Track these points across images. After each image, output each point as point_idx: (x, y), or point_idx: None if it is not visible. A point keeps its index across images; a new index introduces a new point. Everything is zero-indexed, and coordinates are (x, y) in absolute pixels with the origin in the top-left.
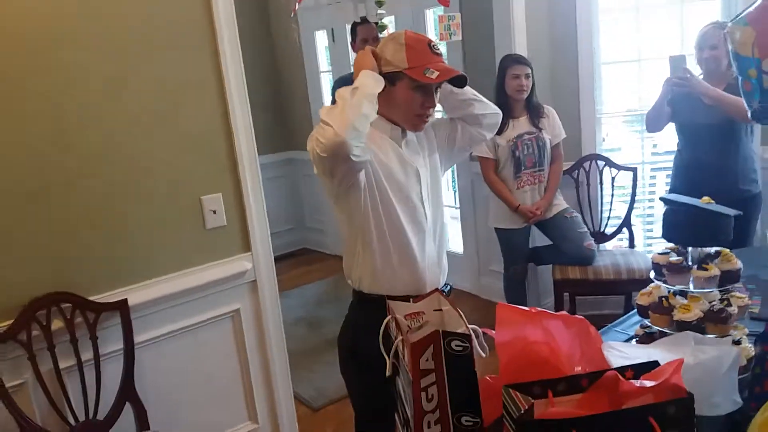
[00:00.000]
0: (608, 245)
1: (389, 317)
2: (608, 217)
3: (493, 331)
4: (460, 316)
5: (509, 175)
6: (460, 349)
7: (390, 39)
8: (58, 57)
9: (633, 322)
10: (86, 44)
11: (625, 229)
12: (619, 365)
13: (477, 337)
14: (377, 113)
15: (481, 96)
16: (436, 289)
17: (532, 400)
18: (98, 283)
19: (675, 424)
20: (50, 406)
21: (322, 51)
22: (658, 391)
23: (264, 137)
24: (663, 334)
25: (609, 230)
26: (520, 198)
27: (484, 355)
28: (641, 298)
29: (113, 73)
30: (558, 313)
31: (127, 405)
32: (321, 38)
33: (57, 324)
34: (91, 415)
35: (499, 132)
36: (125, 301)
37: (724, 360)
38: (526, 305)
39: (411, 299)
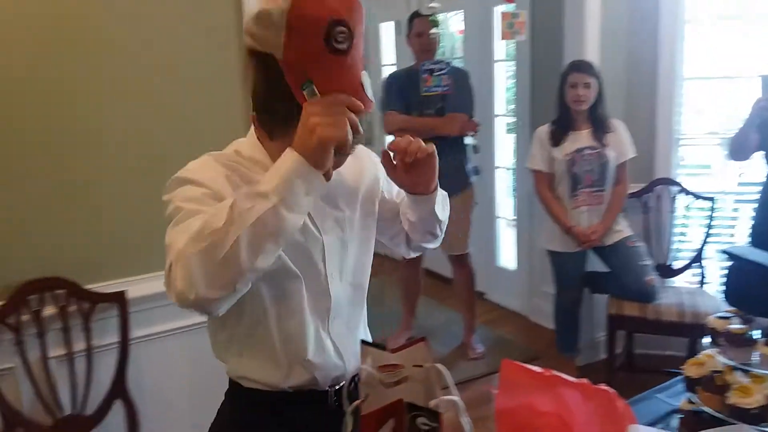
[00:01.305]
0: (678, 281)
1: (361, 366)
2: (678, 250)
3: (495, 391)
4: (441, 379)
5: (565, 193)
6: (427, 428)
7: None
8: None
9: (680, 390)
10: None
11: (696, 265)
12: None
13: (459, 411)
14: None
15: (444, 213)
16: (422, 339)
17: None
18: (97, 271)
19: None
20: (36, 396)
21: (387, 43)
22: None
23: None
24: (714, 419)
25: (677, 264)
26: (575, 219)
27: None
28: (690, 369)
29: (133, 51)
30: (578, 381)
31: (118, 403)
32: (387, 30)
33: (49, 310)
34: (78, 410)
35: (557, 144)
36: (123, 293)
37: None
38: (577, 335)
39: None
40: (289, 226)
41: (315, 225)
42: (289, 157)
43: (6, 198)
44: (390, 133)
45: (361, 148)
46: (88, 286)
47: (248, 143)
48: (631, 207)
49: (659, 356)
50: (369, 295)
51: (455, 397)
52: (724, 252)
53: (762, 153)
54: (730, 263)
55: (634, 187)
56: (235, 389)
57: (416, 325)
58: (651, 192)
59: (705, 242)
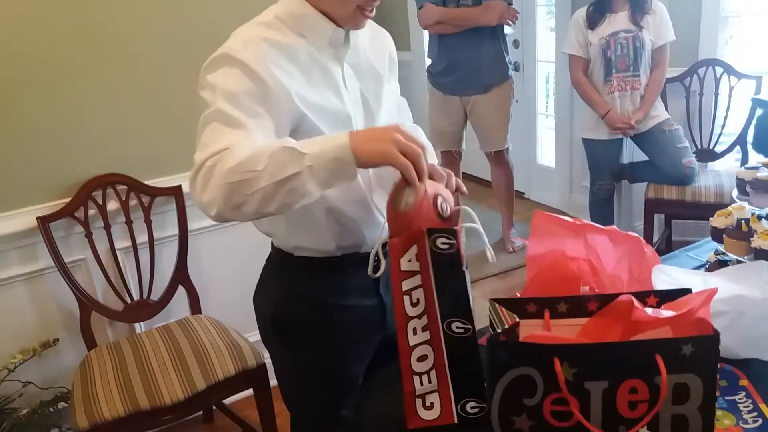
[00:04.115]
0: (718, 165)
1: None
2: (720, 134)
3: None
4: (468, 219)
5: (599, 79)
6: (446, 247)
7: None
8: None
9: (709, 248)
10: None
11: (739, 148)
12: None
13: (482, 239)
14: (307, 3)
15: None
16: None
17: (518, 319)
18: (154, 168)
19: (691, 367)
20: (107, 284)
21: None
22: (676, 324)
23: None
24: (739, 264)
25: (720, 148)
26: (609, 105)
27: (491, 259)
28: (716, 219)
29: None
30: (607, 228)
31: (180, 288)
32: None
33: (113, 205)
34: (145, 295)
35: (593, 27)
36: (179, 187)
37: None
38: (612, 224)
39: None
40: (306, 193)
41: (347, 95)
42: (343, 140)
43: (68, 101)
44: (426, 27)
45: (379, 29)
46: (147, 182)
47: (285, 3)
48: (673, 91)
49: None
50: None
51: (478, 226)
52: (754, 99)
53: None
54: (760, 112)
55: (676, 71)
56: (283, 257)
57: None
58: (694, 75)
59: (748, 124)
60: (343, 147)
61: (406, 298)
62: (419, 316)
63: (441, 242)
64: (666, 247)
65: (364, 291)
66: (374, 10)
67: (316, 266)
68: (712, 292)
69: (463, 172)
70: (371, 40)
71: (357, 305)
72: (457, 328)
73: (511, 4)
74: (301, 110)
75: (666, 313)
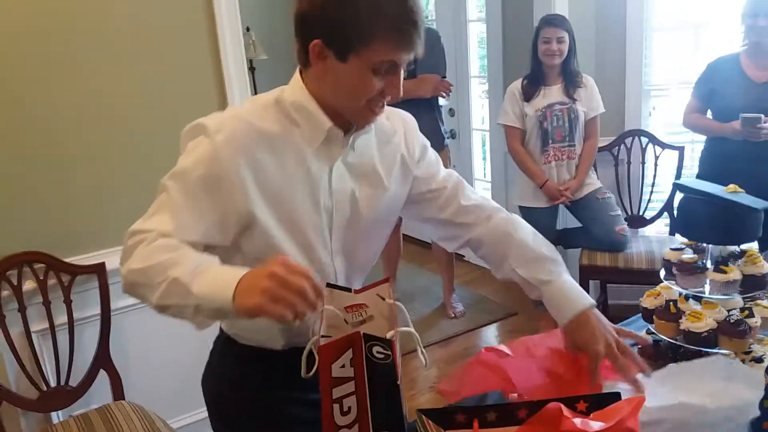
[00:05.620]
0: (648, 231)
1: (326, 307)
2: (648, 200)
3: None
4: (401, 316)
5: (535, 149)
6: (382, 356)
7: None
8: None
9: (642, 325)
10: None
11: (666, 214)
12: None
13: (417, 343)
14: (311, 95)
15: None
16: (386, 279)
17: None
18: (75, 245)
19: None
20: (20, 371)
21: None
22: None
23: None
24: (673, 345)
25: (649, 214)
26: (546, 175)
27: (425, 365)
28: (646, 300)
29: (104, 25)
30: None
31: (102, 373)
32: None
33: (29, 285)
34: (63, 381)
35: (528, 99)
36: (103, 264)
37: (751, 410)
38: None
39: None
40: (194, 322)
41: (318, 206)
42: (227, 294)
43: None
44: None
45: (395, 120)
46: (68, 259)
47: (291, 88)
48: (603, 160)
49: (633, 306)
50: None
51: (413, 331)
52: (676, 185)
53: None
54: (682, 196)
55: (604, 141)
56: (228, 341)
57: (397, 289)
58: (622, 144)
59: (674, 191)
60: (226, 301)
61: (336, 407)
62: (349, 426)
63: (377, 350)
64: (603, 312)
65: (314, 384)
66: (384, 107)
67: (260, 356)
68: (641, 401)
69: (403, 234)
70: (382, 146)
71: (306, 399)
72: None
73: (445, 77)
74: (254, 214)
75: (595, 424)
